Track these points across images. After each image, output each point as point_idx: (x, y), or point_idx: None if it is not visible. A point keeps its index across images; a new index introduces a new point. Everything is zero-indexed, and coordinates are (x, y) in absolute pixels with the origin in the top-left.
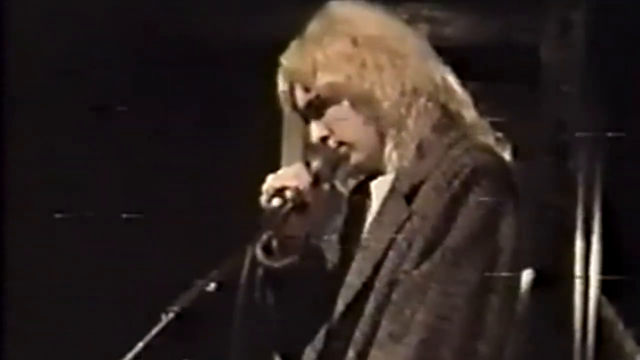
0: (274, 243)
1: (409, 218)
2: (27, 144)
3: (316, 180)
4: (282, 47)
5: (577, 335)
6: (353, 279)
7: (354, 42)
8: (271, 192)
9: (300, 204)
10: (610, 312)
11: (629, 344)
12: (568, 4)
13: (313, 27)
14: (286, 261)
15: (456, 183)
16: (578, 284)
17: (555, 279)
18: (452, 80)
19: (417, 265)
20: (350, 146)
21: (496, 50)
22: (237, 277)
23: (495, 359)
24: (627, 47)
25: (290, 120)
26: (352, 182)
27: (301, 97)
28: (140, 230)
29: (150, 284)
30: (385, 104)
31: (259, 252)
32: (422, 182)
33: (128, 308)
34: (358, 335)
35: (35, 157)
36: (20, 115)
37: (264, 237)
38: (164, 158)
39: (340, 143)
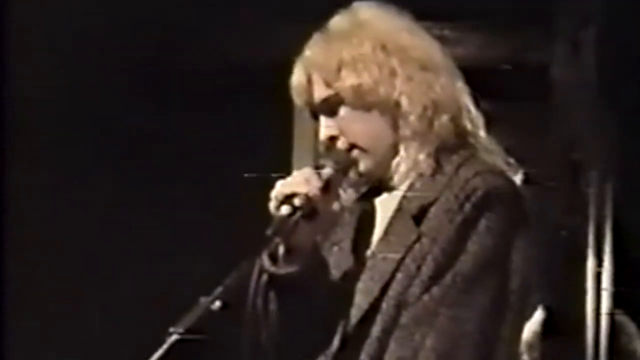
0: (281, 250)
1: (418, 240)
2: (31, 147)
3: (326, 186)
4: (292, 58)
5: (590, 355)
6: (360, 300)
7: (383, 48)
8: (280, 198)
9: (309, 212)
10: (629, 326)
11: None
12: (578, 23)
13: (339, 23)
14: (291, 269)
15: (467, 207)
16: (590, 303)
17: (567, 300)
18: (469, 99)
19: (426, 289)
20: (362, 151)
21: (507, 70)
22: (243, 294)
23: None
24: (637, 65)
25: (301, 124)
26: (351, 192)
27: (319, 92)
28: (146, 240)
29: (155, 301)
30: (412, 117)
31: (264, 258)
32: (431, 204)
33: (132, 325)
34: (364, 357)
35: (38, 161)
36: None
37: (272, 243)
38: (170, 165)
39: (352, 146)
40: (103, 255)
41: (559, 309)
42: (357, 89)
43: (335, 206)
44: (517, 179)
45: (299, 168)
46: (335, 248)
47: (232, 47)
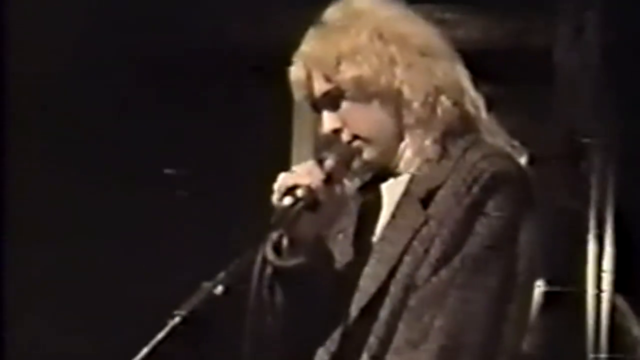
0: (284, 242)
1: (425, 223)
2: (29, 143)
3: (329, 178)
4: (291, 48)
5: (590, 336)
6: (367, 283)
7: (381, 37)
8: (283, 190)
9: (312, 203)
10: (623, 306)
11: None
12: (581, 6)
13: (334, 15)
14: (295, 261)
15: (475, 189)
16: (591, 287)
17: (568, 283)
18: (469, 83)
19: (435, 271)
20: (366, 141)
21: (509, 53)
22: (246, 280)
23: None
24: (639, 48)
25: (300, 114)
26: (357, 180)
27: (319, 86)
28: (149, 228)
29: (158, 286)
30: (415, 104)
31: (268, 251)
32: (438, 187)
33: (134, 312)
34: (372, 339)
35: (36, 153)
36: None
37: (275, 235)
38: (171, 156)
39: (355, 137)
40: (106, 241)
41: (560, 291)
42: (358, 81)
43: (338, 198)
44: (522, 161)
45: (299, 155)
46: (340, 236)
47: (231, 33)
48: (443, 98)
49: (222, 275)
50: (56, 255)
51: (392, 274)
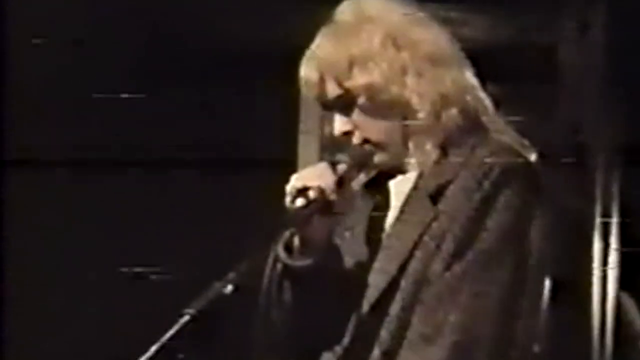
0: (296, 241)
1: (435, 218)
2: (29, 149)
3: (341, 181)
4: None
5: (596, 334)
6: (377, 279)
7: (394, 43)
8: (294, 192)
9: (324, 204)
10: (630, 306)
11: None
12: (586, 4)
13: (345, 15)
14: (305, 262)
15: (486, 184)
16: (596, 285)
17: (574, 281)
18: (477, 85)
19: (448, 267)
20: (376, 145)
21: (514, 51)
22: (256, 279)
23: None
24: None
25: (307, 112)
26: (362, 176)
27: (332, 90)
28: (157, 225)
29: (168, 285)
30: (421, 114)
31: (280, 249)
32: (448, 182)
33: (144, 309)
34: (385, 334)
35: (37, 161)
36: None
37: (287, 234)
38: (178, 153)
39: (365, 140)
40: (116, 237)
41: (565, 290)
42: (369, 88)
43: (350, 199)
44: (532, 157)
45: (305, 158)
46: (347, 234)
47: (238, 30)
48: (449, 106)
49: (231, 274)
50: (68, 249)
51: (402, 269)
